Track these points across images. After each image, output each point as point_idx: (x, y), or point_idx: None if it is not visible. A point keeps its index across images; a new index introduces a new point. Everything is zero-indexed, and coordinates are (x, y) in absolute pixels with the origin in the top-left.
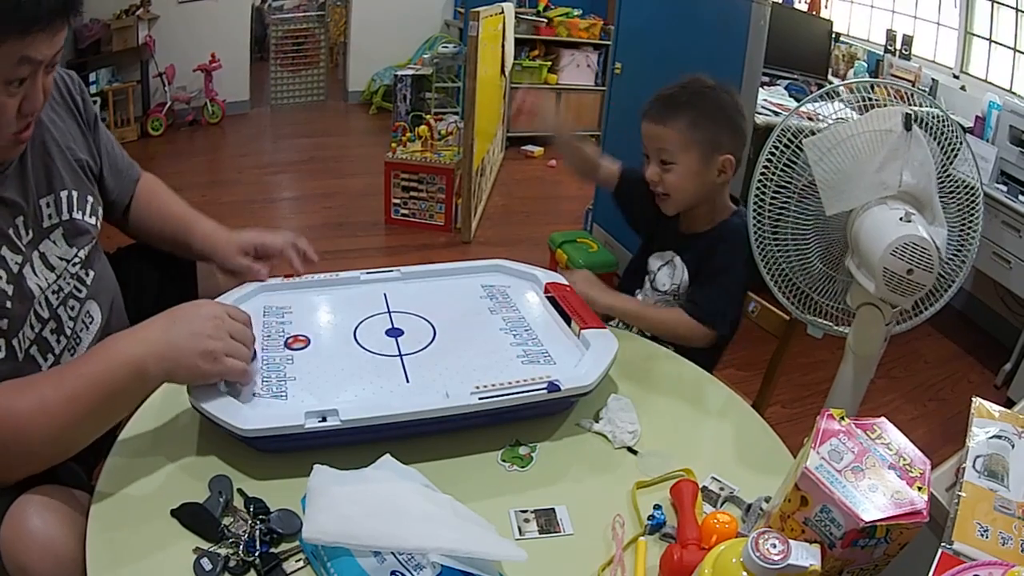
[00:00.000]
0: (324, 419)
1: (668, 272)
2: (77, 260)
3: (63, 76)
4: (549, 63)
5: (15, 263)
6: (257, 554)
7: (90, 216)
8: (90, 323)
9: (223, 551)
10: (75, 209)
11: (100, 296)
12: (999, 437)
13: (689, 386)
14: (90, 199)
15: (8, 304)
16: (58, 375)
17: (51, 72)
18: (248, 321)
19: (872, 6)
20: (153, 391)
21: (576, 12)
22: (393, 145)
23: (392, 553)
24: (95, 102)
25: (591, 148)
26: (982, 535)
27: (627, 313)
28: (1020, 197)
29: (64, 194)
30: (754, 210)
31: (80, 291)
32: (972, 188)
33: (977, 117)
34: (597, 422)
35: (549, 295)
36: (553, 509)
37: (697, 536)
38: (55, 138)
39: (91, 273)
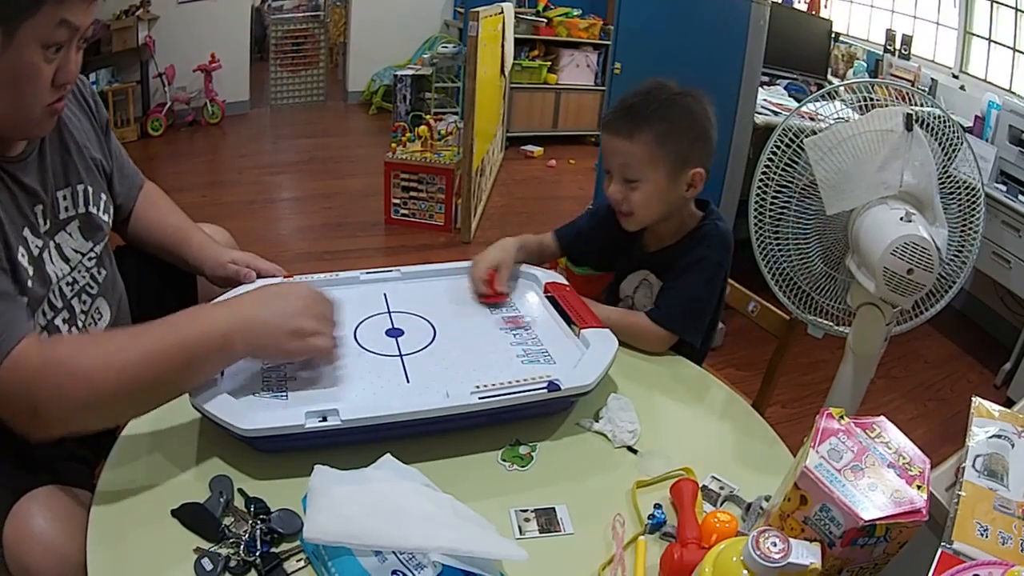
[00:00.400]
0: (324, 419)
1: (645, 292)
2: (92, 256)
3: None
4: (549, 63)
5: (36, 246)
6: (258, 554)
7: (103, 213)
8: (99, 319)
9: (224, 551)
10: (91, 204)
11: (109, 295)
12: (999, 437)
13: (689, 386)
14: (104, 196)
15: (29, 283)
16: (134, 333)
17: (82, 49)
18: (335, 305)
19: (872, 6)
20: (233, 363)
21: (576, 12)
22: (393, 145)
23: (393, 552)
24: None
25: (528, 240)
26: (982, 535)
27: None
28: (1020, 197)
29: (80, 188)
30: (755, 210)
31: (92, 288)
32: (973, 188)
33: (976, 117)
34: (597, 422)
35: (549, 295)
36: (553, 508)
37: (697, 535)
38: (72, 134)
39: (103, 272)
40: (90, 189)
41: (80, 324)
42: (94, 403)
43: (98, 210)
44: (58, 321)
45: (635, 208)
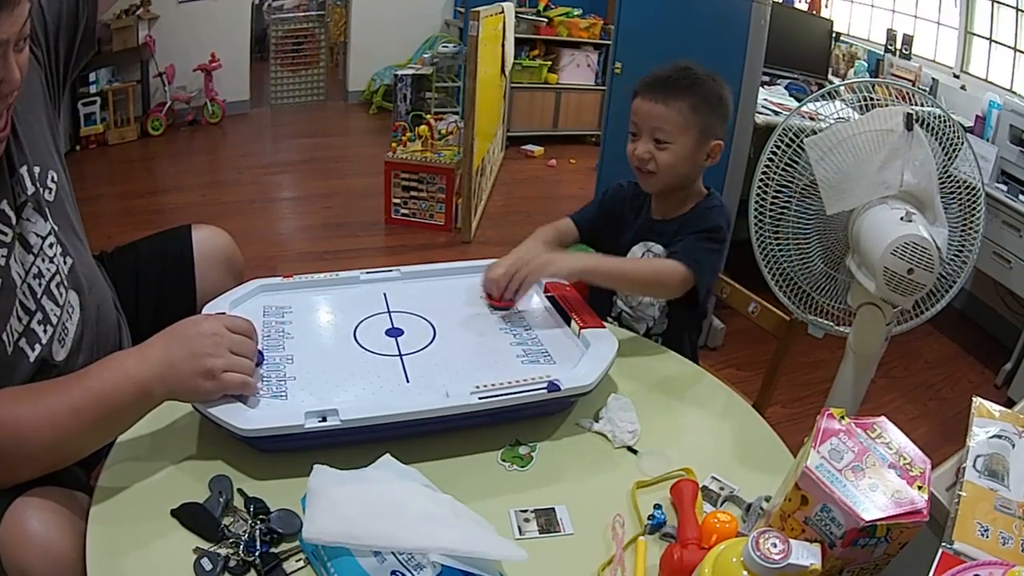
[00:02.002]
0: (324, 419)
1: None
2: (52, 239)
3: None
4: (549, 63)
5: (2, 255)
6: (257, 554)
7: (49, 193)
8: (72, 312)
9: (223, 551)
10: (38, 182)
11: (80, 286)
12: (999, 437)
13: (689, 386)
14: (52, 173)
15: None
16: (63, 386)
17: (22, 50)
18: (250, 330)
19: (872, 6)
20: (156, 407)
21: (576, 12)
22: (393, 145)
23: (392, 553)
24: (94, 102)
25: (548, 241)
26: (982, 535)
27: (600, 271)
28: (1020, 197)
29: (24, 170)
30: (755, 210)
31: (63, 280)
32: (973, 188)
33: (977, 117)
34: (597, 422)
35: (549, 295)
36: (553, 509)
37: (697, 536)
38: (16, 112)
39: (69, 260)
40: (36, 169)
41: (54, 320)
42: (38, 459)
43: (44, 189)
44: (34, 324)
45: (660, 167)
